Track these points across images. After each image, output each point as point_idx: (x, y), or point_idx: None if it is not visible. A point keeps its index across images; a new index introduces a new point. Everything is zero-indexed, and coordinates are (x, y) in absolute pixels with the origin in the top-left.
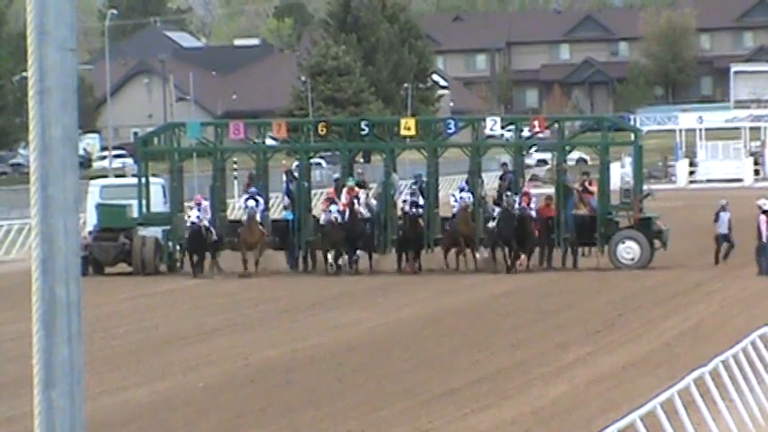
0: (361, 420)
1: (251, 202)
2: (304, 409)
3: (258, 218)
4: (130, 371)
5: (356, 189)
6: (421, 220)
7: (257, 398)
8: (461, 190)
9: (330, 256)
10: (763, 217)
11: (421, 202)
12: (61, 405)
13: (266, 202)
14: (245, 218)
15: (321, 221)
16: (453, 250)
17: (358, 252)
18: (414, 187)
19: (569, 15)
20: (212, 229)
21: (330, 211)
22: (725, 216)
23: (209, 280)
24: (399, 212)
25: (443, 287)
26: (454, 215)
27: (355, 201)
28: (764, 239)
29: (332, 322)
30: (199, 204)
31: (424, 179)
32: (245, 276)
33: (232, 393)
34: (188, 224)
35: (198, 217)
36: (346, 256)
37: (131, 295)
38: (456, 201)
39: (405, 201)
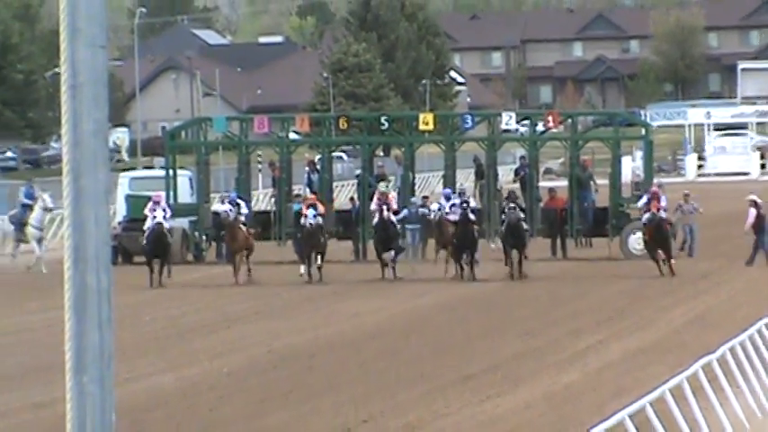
0: (380, 404)
1: (225, 206)
2: (326, 393)
3: (242, 219)
4: (158, 357)
5: (389, 195)
6: (474, 224)
7: (280, 383)
8: (447, 198)
9: (303, 268)
10: (752, 210)
11: (472, 204)
12: (92, 390)
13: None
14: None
15: (302, 224)
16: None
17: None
18: (462, 188)
19: (582, 14)
20: (171, 232)
21: (307, 216)
22: None
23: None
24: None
25: (448, 285)
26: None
27: (385, 207)
28: (746, 229)
29: (353, 310)
30: (158, 203)
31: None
32: (246, 283)
33: (256, 379)
34: (151, 224)
35: (164, 217)
36: (318, 262)
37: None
38: (431, 211)
39: (454, 204)
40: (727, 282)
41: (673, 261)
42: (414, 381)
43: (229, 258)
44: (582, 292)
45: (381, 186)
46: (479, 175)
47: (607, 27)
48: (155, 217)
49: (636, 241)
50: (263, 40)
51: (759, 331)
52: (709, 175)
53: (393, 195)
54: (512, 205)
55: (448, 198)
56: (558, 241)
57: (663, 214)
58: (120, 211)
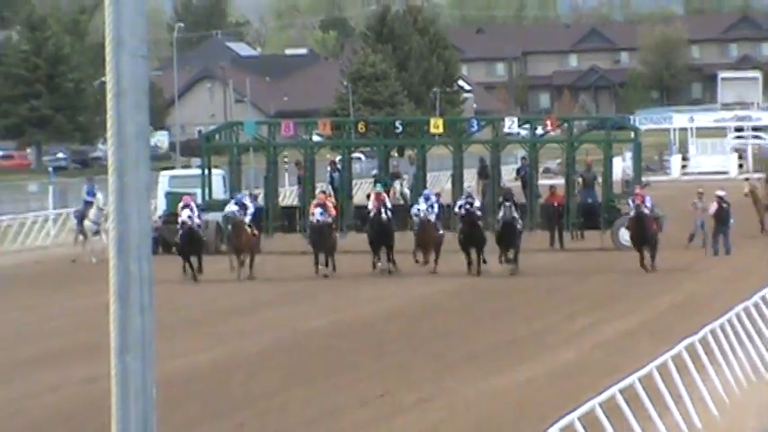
0: (395, 381)
1: (234, 207)
2: (345, 371)
3: (246, 220)
4: (193, 338)
5: (383, 195)
6: (480, 222)
7: (304, 361)
8: (426, 199)
9: (320, 259)
10: (715, 204)
11: (477, 204)
12: (134, 367)
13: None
14: (231, 225)
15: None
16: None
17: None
18: (469, 190)
19: (577, 28)
20: (201, 230)
21: (314, 214)
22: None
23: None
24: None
25: (464, 267)
26: (418, 226)
27: (383, 208)
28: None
29: (368, 296)
30: (188, 205)
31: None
32: (246, 279)
33: (282, 357)
34: (179, 224)
35: (189, 217)
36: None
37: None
38: (416, 213)
39: (461, 205)
40: (707, 270)
41: (652, 260)
42: (425, 359)
43: (233, 254)
44: (576, 280)
45: (378, 187)
46: (483, 174)
47: (599, 40)
48: (181, 216)
49: (626, 234)
50: (289, 51)
51: (737, 315)
52: (692, 173)
53: (386, 197)
54: (507, 204)
55: (427, 199)
56: (556, 234)
57: (646, 210)
58: (161, 206)
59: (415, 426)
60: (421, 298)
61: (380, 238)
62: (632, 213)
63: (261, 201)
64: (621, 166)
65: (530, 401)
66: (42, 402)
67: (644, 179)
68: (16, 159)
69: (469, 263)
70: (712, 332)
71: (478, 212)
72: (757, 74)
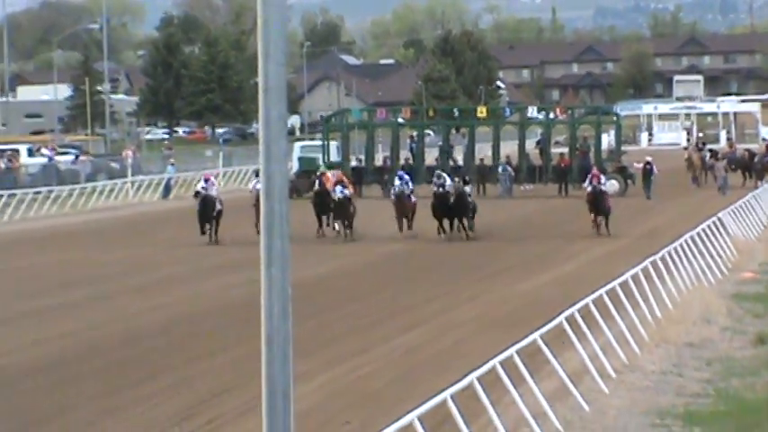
0: (448, 286)
1: (259, 185)
2: (415, 279)
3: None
4: (312, 257)
5: (337, 175)
6: (449, 196)
7: (387, 272)
8: (400, 178)
9: (338, 225)
10: (641, 164)
11: (448, 182)
12: (277, 276)
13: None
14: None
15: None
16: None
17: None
18: (438, 172)
19: (578, 45)
20: (218, 200)
21: (335, 191)
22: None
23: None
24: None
25: (492, 212)
26: (395, 198)
27: (317, 182)
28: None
29: (429, 235)
30: (207, 180)
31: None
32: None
33: (371, 270)
34: (194, 194)
35: (203, 188)
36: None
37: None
38: (393, 187)
39: (435, 183)
40: (667, 209)
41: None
42: (470, 271)
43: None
44: (574, 218)
45: (322, 168)
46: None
47: (594, 54)
48: (202, 188)
49: (610, 186)
50: (382, 62)
51: (686, 240)
52: (655, 145)
53: (330, 175)
54: (456, 179)
55: (401, 178)
56: (563, 186)
57: (603, 187)
58: (295, 166)
59: (467, 314)
60: (457, 239)
61: (323, 207)
62: (589, 189)
63: (362, 163)
64: (607, 140)
65: (544, 299)
66: (222, 295)
67: (623, 148)
68: (197, 134)
69: (442, 228)
70: (668, 252)
71: (449, 190)
72: (700, 77)
